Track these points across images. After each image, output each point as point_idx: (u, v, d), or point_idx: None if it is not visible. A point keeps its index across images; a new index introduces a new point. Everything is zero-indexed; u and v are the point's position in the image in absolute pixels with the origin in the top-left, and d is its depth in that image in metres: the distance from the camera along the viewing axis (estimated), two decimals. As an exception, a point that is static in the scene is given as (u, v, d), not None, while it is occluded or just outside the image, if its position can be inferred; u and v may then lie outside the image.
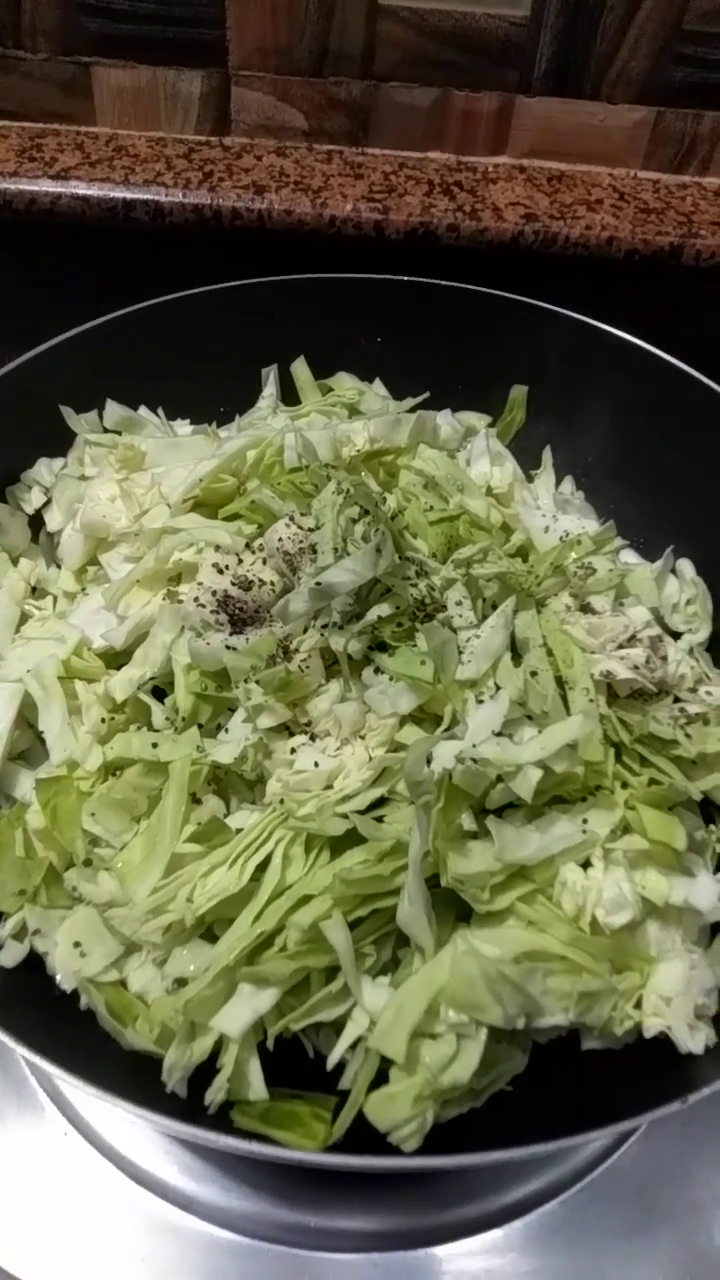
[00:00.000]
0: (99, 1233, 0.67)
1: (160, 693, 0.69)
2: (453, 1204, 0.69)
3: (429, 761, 0.61)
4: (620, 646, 0.68)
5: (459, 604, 0.68)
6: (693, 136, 1.05)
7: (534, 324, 0.90)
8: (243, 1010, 0.57)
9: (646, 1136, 0.72)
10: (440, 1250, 0.67)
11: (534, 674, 0.65)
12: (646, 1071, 0.59)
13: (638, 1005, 0.60)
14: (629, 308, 0.90)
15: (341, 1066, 0.58)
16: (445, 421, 0.87)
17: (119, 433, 0.85)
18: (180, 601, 0.69)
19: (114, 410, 0.85)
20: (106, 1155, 0.70)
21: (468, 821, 0.60)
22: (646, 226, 1.02)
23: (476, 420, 0.91)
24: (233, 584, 0.67)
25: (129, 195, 1.00)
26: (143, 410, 0.87)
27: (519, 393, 0.93)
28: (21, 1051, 0.52)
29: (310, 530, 0.68)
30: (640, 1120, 0.53)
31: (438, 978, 0.56)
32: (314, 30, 0.98)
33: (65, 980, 0.60)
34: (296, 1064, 0.59)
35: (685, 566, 0.83)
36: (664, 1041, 0.59)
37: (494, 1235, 0.68)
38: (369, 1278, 0.66)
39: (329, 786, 0.62)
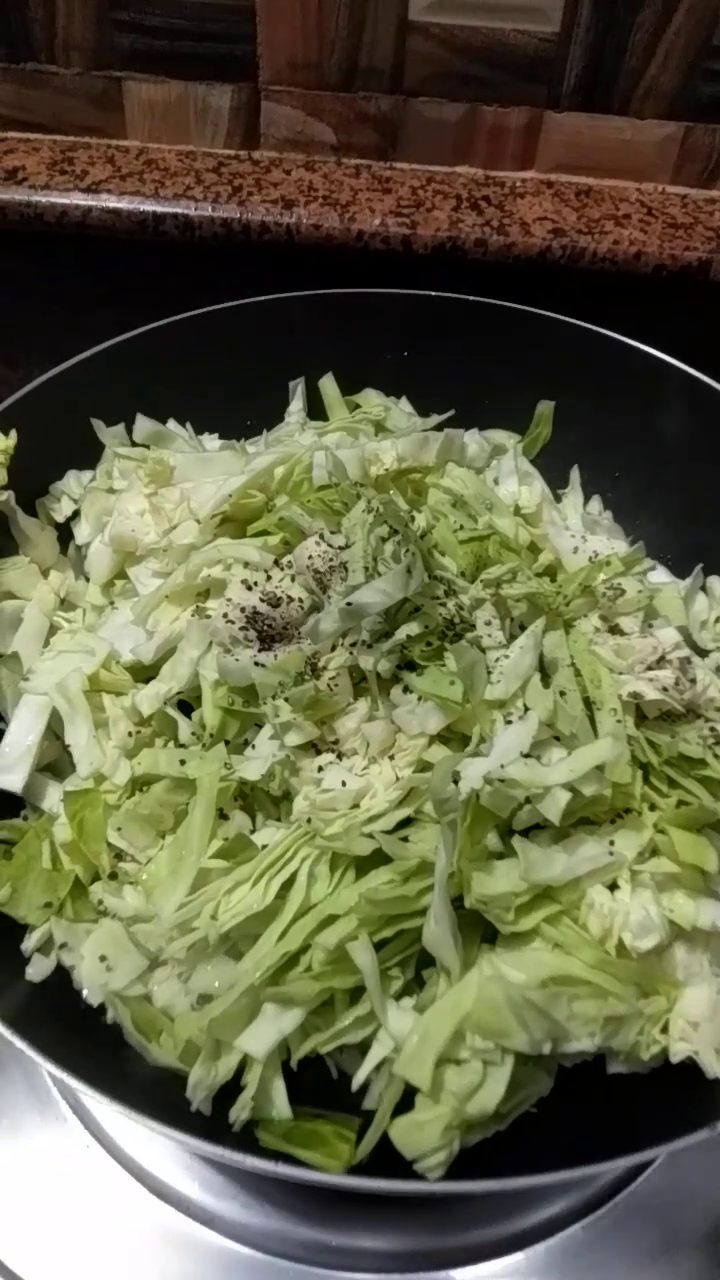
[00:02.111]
0: (119, 1246, 0.68)
1: (186, 707, 0.69)
2: (474, 1226, 0.69)
3: (456, 780, 0.60)
4: (649, 668, 0.68)
5: (488, 624, 0.67)
6: (722, 152, 1.04)
7: (561, 339, 0.90)
8: (268, 1031, 0.57)
9: (670, 1161, 0.71)
10: (460, 1273, 0.67)
11: (562, 694, 0.65)
12: (673, 1096, 0.59)
13: (664, 1030, 0.59)
14: (656, 322, 0.90)
15: (366, 1086, 0.57)
16: (473, 440, 0.87)
17: (148, 446, 0.85)
18: (209, 617, 0.69)
19: (143, 424, 0.85)
20: (128, 1169, 0.70)
21: (494, 843, 0.60)
22: (675, 241, 1.02)
23: (505, 439, 0.91)
24: (261, 600, 0.67)
25: (159, 209, 1.01)
26: (171, 424, 0.87)
27: (545, 408, 0.92)
28: (48, 1067, 0.52)
29: (340, 548, 0.68)
30: (667, 1149, 0.52)
31: (463, 1004, 0.56)
32: (344, 46, 0.98)
33: (92, 994, 0.61)
34: (320, 1081, 0.59)
35: (716, 584, 0.83)
36: (691, 1066, 0.59)
37: (516, 1259, 0.68)
38: (389, 1298, 0.66)
39: (356, 806, 0.62)
